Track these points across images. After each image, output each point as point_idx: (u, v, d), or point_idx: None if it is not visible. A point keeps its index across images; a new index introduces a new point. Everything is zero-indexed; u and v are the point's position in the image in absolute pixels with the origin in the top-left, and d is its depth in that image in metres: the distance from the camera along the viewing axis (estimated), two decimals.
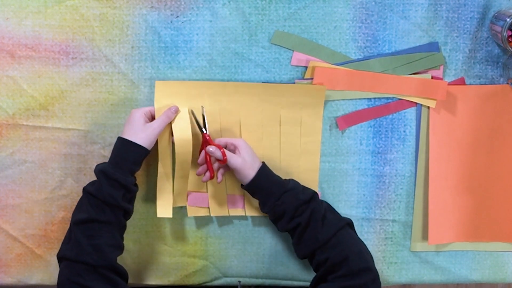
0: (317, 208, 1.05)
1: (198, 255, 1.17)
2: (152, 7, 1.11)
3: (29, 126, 1.13)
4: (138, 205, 1.15)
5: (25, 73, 1.12)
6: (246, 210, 1.15)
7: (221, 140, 1.10)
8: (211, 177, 1.09)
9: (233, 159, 1.06)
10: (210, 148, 1.07)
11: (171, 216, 1.10)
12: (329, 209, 1.08)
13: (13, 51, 1.11)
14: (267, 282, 1.18)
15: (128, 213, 1.05)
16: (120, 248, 1.04)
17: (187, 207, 1.14)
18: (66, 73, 1.12)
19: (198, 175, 1.10)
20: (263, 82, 1.13)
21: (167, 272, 1.17)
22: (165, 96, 1.10)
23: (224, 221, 1.16)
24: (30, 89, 1.12)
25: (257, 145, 1.13)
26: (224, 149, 1.07)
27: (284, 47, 1.13)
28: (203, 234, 1.17)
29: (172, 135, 1.09)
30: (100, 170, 1.02)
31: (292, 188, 1.06)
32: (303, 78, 1.14)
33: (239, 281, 1.16)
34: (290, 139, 1.14)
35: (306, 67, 1.13)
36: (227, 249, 1.17)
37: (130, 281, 1.16)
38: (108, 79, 1.12)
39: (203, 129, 1.09)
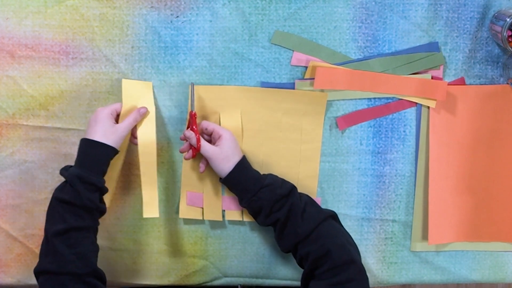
0: (296, 202, 1.04)
1: (198, 255, 1.17)
2: (152, 7, 1.11)
3: (29, 126, 1.13)
4: (138, 205, 1.15)
5: (25, 73, 1.12)
6: (243, 214, 1.15)
7: (209, 125, 1.08)
8: (193, 156, 1.08)
9: (207, 148, 1.05)
10: (187, 133, 1.06)
11: (157, 215, 1.10)
12: (310, 202, 1.06)
13: (13, 51, 1.11)
14: (267, 282, 1.18)
15: (102, 213, 1.04)
16: (98, 250, 1.02)
17: (180, 208, 1.14)
18: (66, 73, 1.12)
19: (181, 151, 1.10)
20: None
21: (167, 272, 1.17)
22: (133, 97, 1.10)
23: (224, 221, 1.16)
24: (30, 89, 1.12)
25: (257, 151, 1.13)
26: (200, 137, 1.05)
27: (284, 47, 1.13)
28: (203, 234, 1.17)
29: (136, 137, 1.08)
30: (75, 175, 0.99)
31: (270, 183, 1.05)
32: (303, 78, 1.14)
33: (239, 285, 1.17)
34: (290, 145, 1.14)
35: (306, 67, 1.13)
36: (227, 249, 1.17)
37: (130, 281, 1.17)
38: (108, 79, 1.12)
39: (191, 107, 1.08)
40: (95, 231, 1.03)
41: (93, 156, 1.02)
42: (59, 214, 0.99)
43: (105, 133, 1.02)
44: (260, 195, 1.04)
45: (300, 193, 1.07)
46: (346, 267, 0.98)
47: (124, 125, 1.05)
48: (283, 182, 1.07)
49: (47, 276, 0.97)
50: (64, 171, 1.02)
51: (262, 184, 1.05)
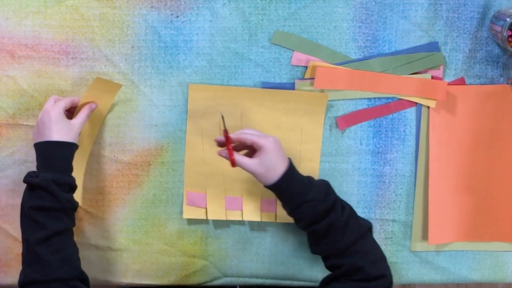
0: (337, 217, 1.00)
1: (198, 255, 1.17)
2: (152, 7, 1.11)
3: (29, 126, 1.13)
4: (138, 205, 1.15)
5: (25, 73, 1.12)
6: (243, 214, 1.15)
7: (247, 139, 1.00)
8: (233, 166, 1.02)
9: (246, 165, 1.00)
10: (222, 153, 1.02)
11: (80, 204, 1.08)
12: (351, 215, 1.03)
13: (13, 51, 1.11)
14: (267, 282, 1.18)
15: (76, 210, 1.03)
16: (78, 251, 1.01)
17: (184, 208, 1.14)
18: (66, 73, 1.12)
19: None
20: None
21: (167, 272, 1.17)
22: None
23: (224, 221, 1.16)
24: (30, 89, 1.12)
25: None
26: (236, 154, 1.01)
27: (284, 47, 1.13)
28: (203, 234, 1.17)
29: None
30: (49, 179, 0.97)
31: (313, 198, 1.00)
32: (303, 78, 1.14)
33: (238, 286, 1.17)
34: (290, 145, 1.14)
35: (306, 67, 1.13)
36: (227, 249, 1.17)
37: (130, 281, 1.17)
38: (108, 79, 1.12)
39: (224, 127, 1.04)
40: (72, 229, 1.02)
41: (60, 157, 1.01)
42: (37, 222, 0.97)
43: (64, 131, 1.01)
44: (302, 208, 1.00)
45: (342, 204, 1.03)
46: (375, 281, 0.99)
47: (79, 120, 1.04)
48: (328, 194, 1.02)
49: (34, 286, 0.95)
50: (32, 178, 0.99)
51: (306, 198, 0.99)
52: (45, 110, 1.03)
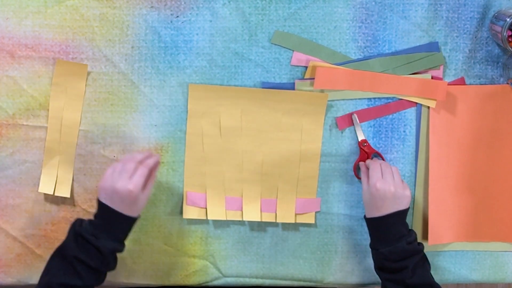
0: (411, 266, 1.04)
1: (198, 255, 1.17)
2: (152, 7, 1.11)
3: (29, 126, 1.13)
4: None
5: (25, 73, 1.12)
6: (243, 214, 1.15)
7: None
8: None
9: (365, 189, 1.08)
10: (362, 168, 1.12)
11: (68, 195, 1.12)
12: (422, 264, 1.06)
13: (13, 51, 1.11)
14: (267, 282, 1.18)
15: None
16: None
17: (184, 208, 1.14)
18: None
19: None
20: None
21: (167, 272, 1.17)
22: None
23: (224, 221, 1.16)
24: (30, 89, 1.12)
25: (257, 151, 1.13)
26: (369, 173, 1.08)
27: (284, 47, 1.13)
28: (203, 234, 1.17)
29: None
30: (110, 250, 1.00)
31: (398, 251, 1.04)
32: (303, 78, 1.14)
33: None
34: (290, 145, 1.14)
35: (306, 67, 1.13)
36: (227, 249, 1.17)
37: (130, 281, 1.17)
38: (108, 79, 1.12)
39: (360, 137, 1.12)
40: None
41: (124, 229, 1.02)
42: (76, 271, 0.98)
43: (135, 209, 1.02)
44: (387, 255, 1.04)
45: (419, 249, 1.06)
46: None
47: (146, 193, 1.03)
48: (408, 246, 1.05)
49: None
50: (92, 237, 0.99)
51: (391, 250, 1.04)
52: (128, 189, 0.99)
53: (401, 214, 1.05)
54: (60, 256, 1.00)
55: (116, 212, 1.00)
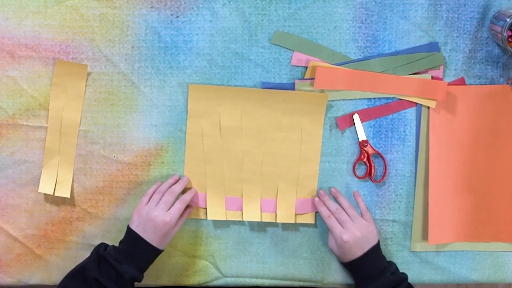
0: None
1: (198, 255, 1.17)
2: (152, 7, 1.11)
3: (29, 126, 1.13)
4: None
5: (25, 73, 1.12)
6: (243, 214, 1.15)
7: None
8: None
9: (330, 241, 1.12)
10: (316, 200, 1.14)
11: (68, 196, 1.12)
12: None
13: (13, 51, 1.11)
14: (267, 282, 1.18)
15: None
16: None
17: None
18: None
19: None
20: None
21: (167, 272, 1.17)
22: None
23: (224, 221, 1.16)
24: (30, 89, 1.12)
25: (257, 151, 1.13)
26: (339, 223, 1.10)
27: (284, 47, 1.13)
28: (203, 234, 1.17)
29: None
30: (131, 277, 1.01)
31: (385, 284, 1.07)
32: (303, 78, 1.14)
33: None
34: (290, 145, 1.14)
35: (306, 67, 1.13)
36: (227, 249, 1.17)
37: None
38: (108, 79, 1.12)
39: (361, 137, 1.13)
40: None
41: (148, 260, 1.05)
42: None
43: (165, 242, 1.06)
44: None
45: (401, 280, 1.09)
46: None
47: (176, 229, 1.07)
48: (400, 278, 1.09)
49: None
50: (115, 261, 1.01)
51: (380, 284, 1.07)
52: (164, 220, 1.04)
53: (376, 249, 1.09)
54: (79, 277, 1.01)
55: (144, 241, 1.02)
